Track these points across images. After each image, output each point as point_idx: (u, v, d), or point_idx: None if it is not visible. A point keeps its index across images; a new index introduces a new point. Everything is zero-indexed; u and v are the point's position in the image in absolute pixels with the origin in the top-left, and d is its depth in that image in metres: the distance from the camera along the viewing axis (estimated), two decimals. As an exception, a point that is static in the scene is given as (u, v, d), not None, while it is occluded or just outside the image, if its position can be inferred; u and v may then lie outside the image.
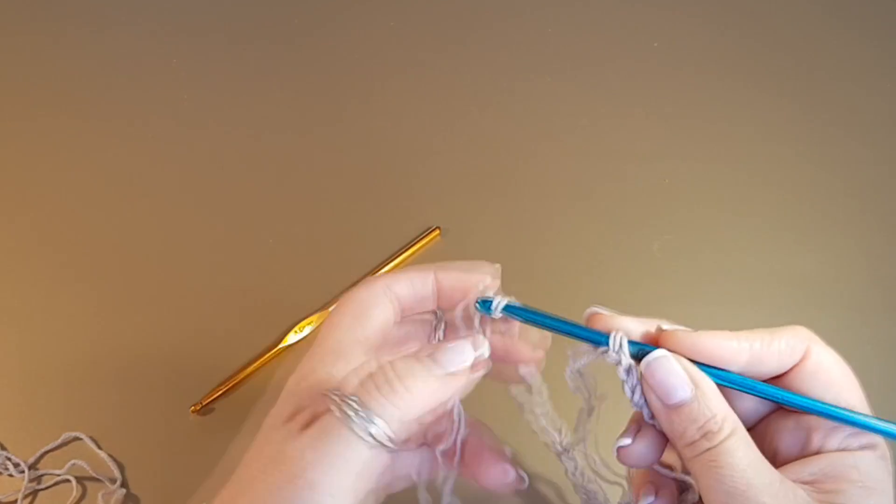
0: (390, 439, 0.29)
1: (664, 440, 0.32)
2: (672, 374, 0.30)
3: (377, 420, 0.29)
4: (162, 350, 0.55)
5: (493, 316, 0.33)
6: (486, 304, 0.33)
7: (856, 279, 0.59)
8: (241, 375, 0.54)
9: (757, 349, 0.31)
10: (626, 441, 0.32)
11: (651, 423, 0.31)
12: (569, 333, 0.33)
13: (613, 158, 0.64)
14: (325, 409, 0.30)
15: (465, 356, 0.32)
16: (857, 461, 0.30)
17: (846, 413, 0.30)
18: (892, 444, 0.31)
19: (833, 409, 0.30)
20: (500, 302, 0.33)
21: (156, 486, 0.51)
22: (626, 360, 0.31)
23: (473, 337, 0.33)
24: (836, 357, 0.31)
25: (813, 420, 0.31)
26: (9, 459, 0.51)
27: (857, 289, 0.58)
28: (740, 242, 0.60)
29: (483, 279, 0.35)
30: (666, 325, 0.32)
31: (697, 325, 0.56)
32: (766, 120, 0.66)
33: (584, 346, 0.32)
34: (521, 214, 0.61)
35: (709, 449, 0.29)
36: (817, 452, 0.30)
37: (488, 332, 0.34)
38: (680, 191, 0.62)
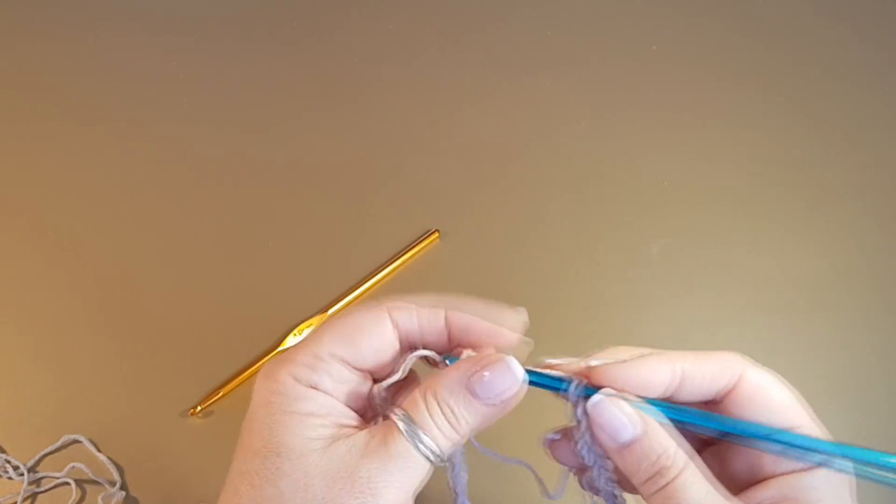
0: (441, 458, 0.30)
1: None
2: (616, 415, 0.30)
3: (437, 442, 0.30)
4: (161, 353, 0.55)
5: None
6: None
7: (856, 281, 0.59)
8: (241, 379, 0.54)
9: (688, 370, 0.30)
10: (556, 436, 0.33)
11: (604, 461, 0.31)
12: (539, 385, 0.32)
13: (612, 161, 0.64)
14: (384, 428, 0.30)
15: (511, 384, 0.31)
16: (813, 481, 0.29)
17: (789, 436, 0.30)
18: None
19: (775, 432, 0.30)
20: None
21: (155, 488, 0.51)
22: (578, 407, 0.31)
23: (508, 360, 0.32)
24: (774, 378, 0.31)
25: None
26: (8, 462, 0.51)
27: (857, 291, 0.58)
28: (740, 245, 0.60)
29: (509, 337, 0.33)
30: (594, 362, 0.32)
31: (698, 328, 0.57)
32: (765, 122, 0.66)
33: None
34: (520, 217, 0.61)
35: (664, 486, 0.29)
36: (770, 477, 0.30)
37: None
38: (679, 193, 0.62)
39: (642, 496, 0.30)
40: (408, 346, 0.33)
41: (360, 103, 0.67)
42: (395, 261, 0.58)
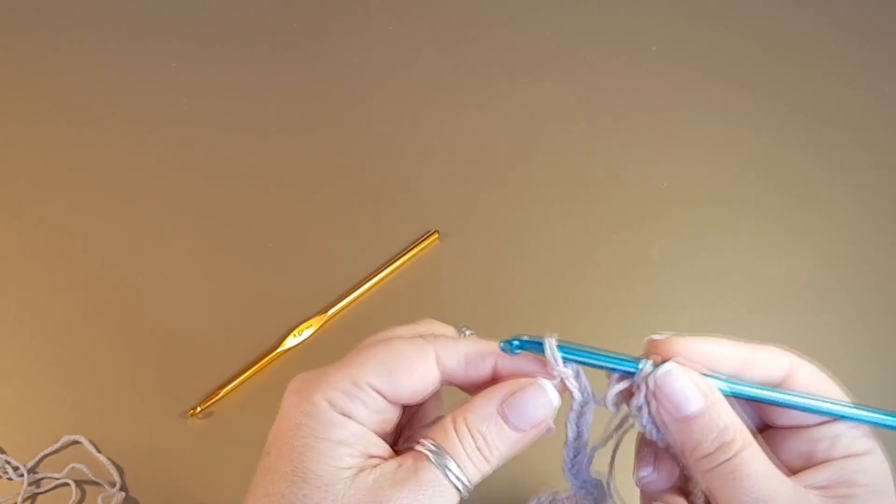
0: (469, 488, 0.30)
1: (678, 462, 0.32)
2: (683, 385, 0.29)
3: (467, 471, 0.30)
4: (161, 354, 0.55)
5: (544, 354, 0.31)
6: (515, 344, 0.31)
7: (855, 283, 0.59)
8: (240, 379, 0.54)
9: (746, 357, 0.31)
10: (648, 472, 0.32)
11: (659, 442, 0.31)
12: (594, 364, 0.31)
13: (612, 162, 0.64)
14: (414, 457, 0.30)
15: (544, 410, 0.31)
16: (863, 465, 0.30)
17: (855, 410, 0.31)
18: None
19: (839, 405, 0.31)
20: (550, 341, 0.31)
21: (155, 489, 0.51)
22: (640, 381, 0.30)
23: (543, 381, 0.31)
24: (823, 374, 0.32)
25: (815, 432, 0.31)
26: (8, 463, 0.51)
27: (857, 292, 0.58)
28: (739, 246, 0.60)
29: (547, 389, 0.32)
30: (657, 336, 0.31)
31: (697, 330, 0.57)
32: (764, 123, 0.66)
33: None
34: (520, 218, 0.61)
35: (727, 460, 0.29)
36: (823, 461, 0.31)
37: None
38: (679, 195, 0.62)
39: (698, 471, 0.30)
40: (448, 383, 0.33)
41: (360, 104, 0.67)
42: (394, 261, 0.58)
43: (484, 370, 0.32)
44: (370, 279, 0.57)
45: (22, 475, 0.50)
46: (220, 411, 0.53)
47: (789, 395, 0.31)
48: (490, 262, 0.60)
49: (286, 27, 0.72)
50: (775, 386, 0.31)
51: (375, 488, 0.29)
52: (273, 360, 0.55)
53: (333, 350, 0.58)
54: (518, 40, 0.71)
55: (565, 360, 0.31)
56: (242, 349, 0.55)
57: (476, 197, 0.62)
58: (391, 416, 0.31)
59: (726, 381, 0.31)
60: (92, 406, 0.54)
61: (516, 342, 0.31)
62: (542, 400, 0.30)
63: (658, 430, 0.31)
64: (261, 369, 0.54)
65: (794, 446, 0.32)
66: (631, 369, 0.30)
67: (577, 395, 0.31)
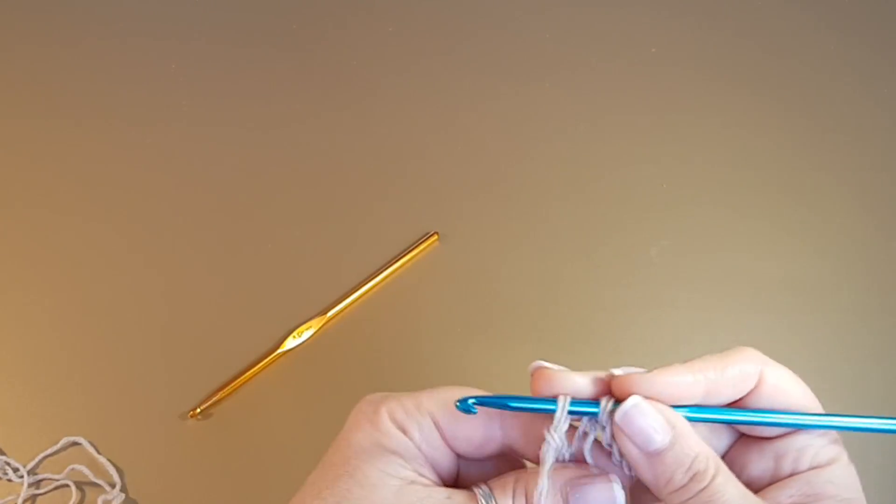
0: None
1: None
2: (648, 420, 0.29)
3: None
4: (161, 355, 0.55)
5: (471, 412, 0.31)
6: (465, 404, 0.31)
7: (855, 284, 0.59)
8: (240, 380, 0.54)
9: (712, 379, 0.30)
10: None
11: (630, 476, 0.30)
12: (514, 407, 0.30)
13: (611, 163, 0.64)
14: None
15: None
16: (830, 476, 0.30)
17: (820, 418, 0.30)
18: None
19: (803, 416, 0.30)
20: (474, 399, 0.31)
21: (155, 490, 0.51)
22: (605, 420, 0.30)
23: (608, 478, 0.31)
24: (791, 376, 0.31)
25: (779, 445, 0.31)
26: (8, 464, 0.51)
27: (857, 293, 0.59)
28: (738, 247, 0.60)
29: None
30: (618, 371, 0.31)
31: (696, 330, 0.57)
32: (764, 125, 0.67)
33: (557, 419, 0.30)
34: (519, 219, 0.61)
35: (701, 490, 0.28)
36: (790, 475, 0.30)
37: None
38: (678, 196, 0.62)
39: None
40: (507, 450, 0.32)
41: (360, 105, 0.68)
42: (394, 263, 0.58)
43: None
44: (370, 280, 0.57)
45: (22, 476, 0.50)
46: (219, 412, 0.53)
47: (752, 414, 0.30)
48: (490, 263, 0.60)
49: (286, 28, 0.72)
50: (746, 396, 0.31)
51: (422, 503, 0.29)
52: (273, 362, 0.55)
53: (333, 351, 0.58)
54: (517, 41, 0.71)
55: (506, 408, 0.30)
56: (242, 350, 0.55)
57: (475, 198, 0.62)
58: (443, 459, 0.32)
59: (691, 408, 0.30)
60: (92, 407, 0.54)
61: (471, 400, 0.30)
62: (607, 495, 0.30)
63: (628, 469, 0.30)
64: (260, 370, 0.54)
65: (760, 462, 0.31)
66: (592, 409, 0.30)
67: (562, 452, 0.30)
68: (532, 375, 0.31)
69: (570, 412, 0.30)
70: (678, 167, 0.64)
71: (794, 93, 0.68)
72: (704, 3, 0.73)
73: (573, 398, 0.30)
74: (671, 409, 0.29)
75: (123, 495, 0.50)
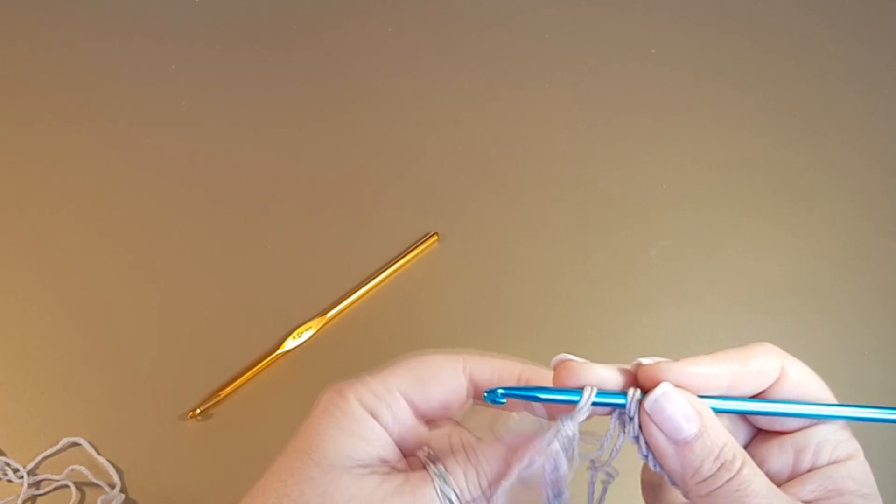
0: None
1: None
2: (679, 408, 0.29)
3: (456, 490, 0.30)
4: (161, 356, 0.55)
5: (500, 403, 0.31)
6: (493, 395, 0.31)
7: (855, 284, 0.59)
8: (240, 381, 0.54)
9: (736, 371, 0.30)
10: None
11: (657, 469, 0.30)
12: (544, 400, 0.31)
13: (611, 164, 0.64)
14: (416, 466, 0.31)
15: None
16: (850, 471, 0.30)
17: (841, 408, 0.31)
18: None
19: (826, 406, 0.31)
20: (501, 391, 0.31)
21: (154, 491, 0.51)
22: (633, 410, 0.30)
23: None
24: (810, 371, 0.31)
25: (798, 439, 0.31)
26: (8, 465, 0.51)
27: (856, 294, 0.59)
28: (738, 248, 0.60)
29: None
30: (645, 360, 0.31)
31: (696, 330, 0.57)
32: (763, 125, 0.67)
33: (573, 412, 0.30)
34: (519, 220, 0.61)
35: (729, 479, 0.28)
36: (809, 470, 0.31)
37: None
38: (677, 197, 0.62)
39: (698, 496, 0.29)
40: (478, 398, 0.33)
41: (360, 106, 0.68)
42: (394, 264, 0.58)
43: (511, 382, 0.33)
44: (369, 281, 0.57)
45: (22, 477, 0.50)
46: (219, 413, 0.53)
47: (774, 403, 0.31)
48: (489, 264, 0.60)
49: (286, 31, 0.72)
50: (767, 390, 0.31)
51: (375, 493, 0.29)
52: (272, 362, 0.55)
53: (333, 352, 0.58)
54: (517, 43, 0.71)
55: (535, 400, 0.30)
56: (242, 351, 0.55)
57: (475, 199, 0.62)
58: (414, 431, 0.32)
59: (716, 398, 0.30)
60: (92, 408, 0.54)
61: (500, 391, 0.31)
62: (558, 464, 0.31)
63: (655, 463, 0.30)
64: (260, 371, 0.54)
65: (780, 457, 0.31)
66: (619, 400, 0.30)
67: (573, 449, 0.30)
68: (556, 367, 0.31)
69: (597, 403, 0.29)
70: (678, 168, 0.64)
71: (793, 93, 0.68)
72: (704, 4, 0.74)
73: (599, 389, 0.30)
74: (699, 399, 0.29)
75: (123, 496, 0.50)
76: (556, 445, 0.30)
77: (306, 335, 0.55)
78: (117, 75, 0.69)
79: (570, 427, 0.30)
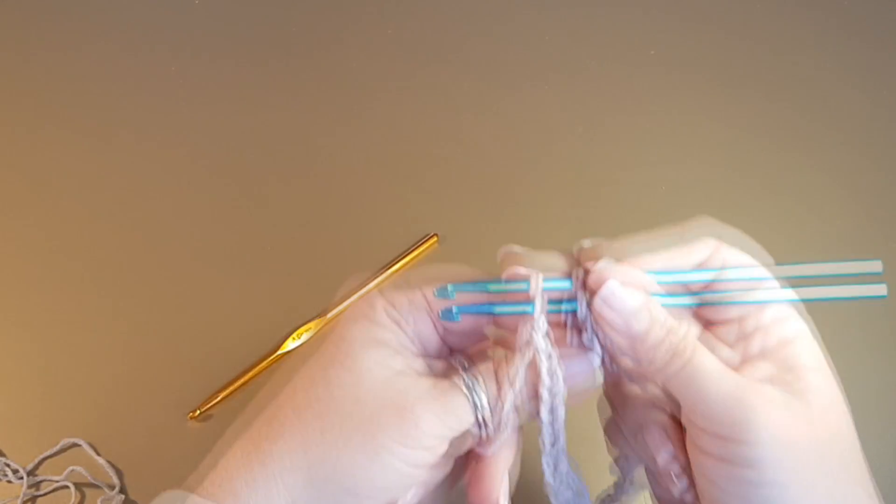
0: (486, 424, 0.31)
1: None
2: (627, 303, 0.30)
3: (485, 398, 0.31)
4: (161, 356, 0.55)
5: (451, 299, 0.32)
6: (444, 291, 0.32)
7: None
8: (240, 382, 0.54)
9: (675, 245, 0.32)
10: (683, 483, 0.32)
11: (609, 365, 0.31)
12: (497, 313, 0.31)
13: (610, 166, 0.64)
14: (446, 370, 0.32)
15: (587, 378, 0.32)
16: (799, 349, 0.31)
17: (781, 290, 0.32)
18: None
19: (766, 282, 0.32)
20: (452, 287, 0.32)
21: (154, 492, 0.51)
22: (583, 303, 0.30)
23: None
24: (747, 239, 0.33)
25: (746, 325, 0.32)
26: (7, 465, 0.51)
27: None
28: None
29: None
30: (587, 243, 0.32)
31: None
32: (763, 126, 0.67)
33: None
34: (519, 221, 0.61)
35: (682, 367, 0.29)
36: (759, 354, 0.31)
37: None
38: (677, 198, 0.62)
39: (657, 382, 0.30)
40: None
41: (360, 108, 0.68)
42: (393, 265, 0.58)
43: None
44: (369, 282, 0.57)
45: (21, 478, 0.50)
46: (219, 414, 0.53)
47: (721, 294, 0.31)
48: (489, 265, 0.59)
49: (285, 31, 0.72)
50: (706, 262, 0.32)
51: (405, 394, 0.30)
52: (273, 363, 0.55)
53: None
54: (517, 44, 0.72)
55: (486, 291, 0.31)
56: (242, 352, 0.55)
57: (475, 200, 0.62)
58: (435, 346, 0.33)
59: (662, 295, 0.31)
60: (91, 409, 0.54)
61: (450, 286, 0.31)
62: (585, 366, 0.31)
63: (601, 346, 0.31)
64: (260, 372, 0.54)
65: (728, 343, 0.32)
66: (564, 284, 0.31)
67: (544, 359, 0.30)
68: (501, 259, 0.32)
69: (546, 288, 0.30)
70: (678, 170, 0.64)
71: (793, 95, 0.68)
72: (703, 5, 0.74)
73: (545, 276, 0.30)
74: (646, 295, 0.30)
75: (123, 497, 0.50)
76: (535, 337, 0.30)
77: (306, 336, 0.55)
78: (117, 77, 0.69)
79: (536, 322, 0.30)
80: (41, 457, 0.51)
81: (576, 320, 0.31)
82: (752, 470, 0.28)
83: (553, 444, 0.32)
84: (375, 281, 0.57)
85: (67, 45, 0.71)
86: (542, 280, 0.30)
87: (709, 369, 0.29)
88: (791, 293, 0.32)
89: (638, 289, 0.31)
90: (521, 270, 0.31)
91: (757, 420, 0.28)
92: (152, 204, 0.62)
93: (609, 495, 0.37)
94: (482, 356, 0.32)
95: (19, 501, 0.49)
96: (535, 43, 0.72)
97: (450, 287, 0.31)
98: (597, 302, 0.30)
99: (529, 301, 0.30)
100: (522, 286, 0.30)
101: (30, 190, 0.63)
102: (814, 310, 0.33)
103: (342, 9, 0.74)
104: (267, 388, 0.32)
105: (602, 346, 0.31)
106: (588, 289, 0.31)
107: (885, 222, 0.62)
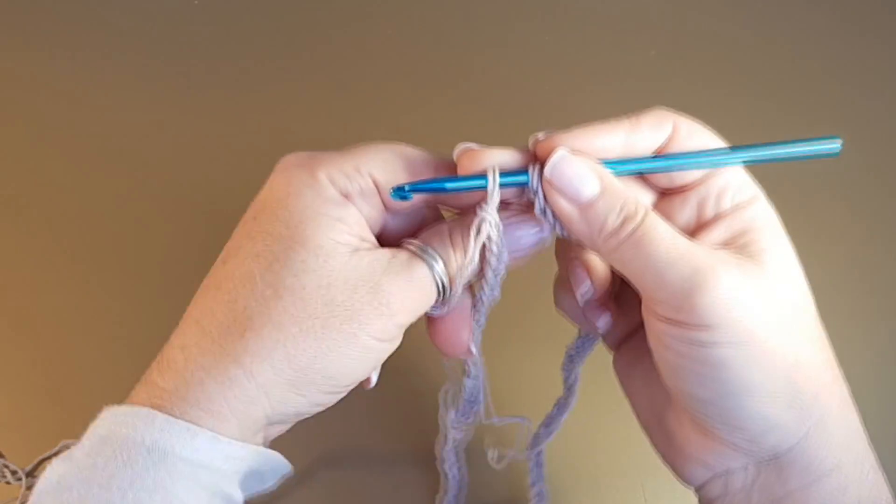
0: (445, 287, 0.31)
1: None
2: (577, 170, 0.30)
3: (449, 277, 0.31)
4: (160, 357, 0.55)
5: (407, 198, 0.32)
6: (401, 191, 0.31)
7: (852, 290, 0.59)
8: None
9: (628, 130, 0.31)
10: (586, 287, 0.34)
11: (564, 235, 0.32)
12: (451, 189, 0.31)
13: (610, 166, 0.64)
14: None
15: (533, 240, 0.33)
16: (754, 212, 0.31)
17: (732, 153, 0.31)
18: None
19: (717, 153, 0.31)
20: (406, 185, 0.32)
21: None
22: (535, 184, 0.31)
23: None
24: (701, 125, 0.33)
25: (700, 191, 0.32)
26: (6, 467, 0.51)
27: (853, 300, 0.59)
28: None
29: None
30: (541, 135, 0.32)
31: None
32: (762, 127, 0.67)
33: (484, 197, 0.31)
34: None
35: (634, 229, 0.29)
36: (714, 218, 0.32)
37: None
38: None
39: (609, 252, 0.30)
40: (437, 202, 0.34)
41: (360, 108, 0.68)
42: (393, 266, 0.58)
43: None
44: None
45: (20, 479, 0.50)
46: (218, 415, 0.53)
47: (669, 159, 0.32)
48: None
49: (285, 32, 0.72)
50: (661, 150, 0.32)
51: (371, 270, 0.30)
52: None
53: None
54: (517, 45, 0.72)
55: (443, 190, 0.31)
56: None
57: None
58: (379, 218, 0.32)
59: (612, 163, 0.31)
60: (90, 410, 0.53)
61: (407, 186, 0.31)
62: (534, 230, 0.32)
63: (563, 232, 0.31)
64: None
65: (684, 211, 0.32)
66: (522, 179, 0.31)
67: (494, 246, 0.31)
68: (457, 156, 0.32)
69: (502, 185, 0.30)
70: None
71: (793, 96, 0.69)
72: (703, 6, 0.74)
73: (502, 171, 0.31)
74: (596, 162, 0.30)
75: (122, 498, 0.50)
76: (484, 233, 0.31)
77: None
78: (116, 77, 0.69)
79: (490, 212, 0.31)
80: (40, 458, 0.51)
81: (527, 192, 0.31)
82: (708, 331, 0.28)
83: (489, 302, 0.34)
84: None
85: (67, 45, 0.71)
86: (499, 175, 0.31)
87: (661, 232, 0.29)
88: (745, 154, 0.32)
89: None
90: (477, 164, 0.31)
91: (710, 281, 0.28)
92: (151, 203, 0.62)
93: (570, 355, 0.39)
94: (425, 236, 0.32)
95: (18, 503, 0.49)
96: (536, 44, 0.72)
97: (406, 187, 0.31)
98: (547, 168, 0.30)
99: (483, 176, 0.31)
100: (480, 182, 0.31)
101: (28, 191, 0.63)
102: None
103: (342, 9, 0.74)
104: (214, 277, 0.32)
105: (553, 216, 0.31)
106: (538, 159, 0.31)
107: (885, 226, 0.62)
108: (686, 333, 0.29)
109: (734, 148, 0.32)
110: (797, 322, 0.31)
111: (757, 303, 0.29)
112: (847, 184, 0.64)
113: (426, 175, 0.32)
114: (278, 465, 0.32)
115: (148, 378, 0.30)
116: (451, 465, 0.45)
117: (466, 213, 0.33)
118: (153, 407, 0.30)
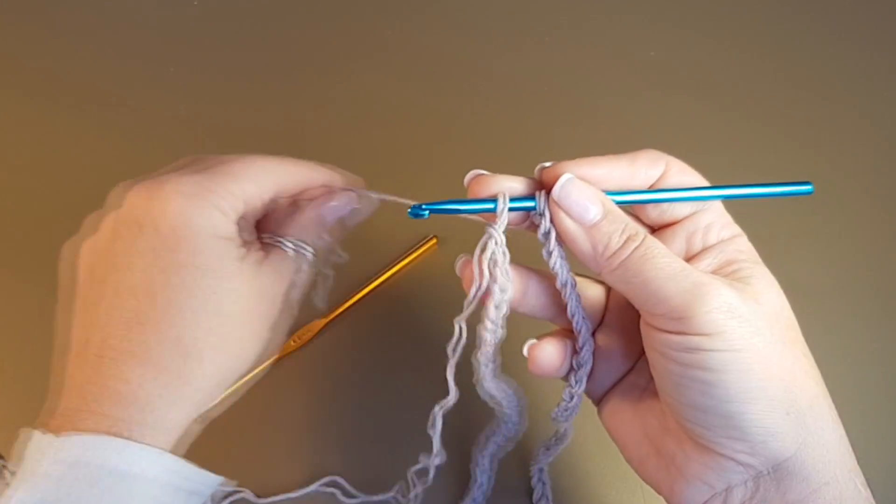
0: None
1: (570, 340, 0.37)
2: (583, 193, 0.33)
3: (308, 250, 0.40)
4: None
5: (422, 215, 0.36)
6: (418, 210, 0.36)
7: (855, 289, 0.59)
8: (240, 383, 0.54)
9: (626, 167, 0.34)
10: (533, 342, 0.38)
11: (560, 260, 0.34)
12: (464, 211, 0.35)
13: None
14: None
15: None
16: (737, 246, 0.35)
17: (719, 190, 0.35)
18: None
19: (705, 189, 0.35)
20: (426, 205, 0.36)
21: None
22: (542, 207, 0.33)
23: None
24: (689, 167, 0.36)
25: (689, 225, 0.35)
26: (5, 468, 0.50)
27: (857, 299, 0.59)
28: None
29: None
30: (547, 164, 0.35)
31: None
32: (762, 128, 0.67)
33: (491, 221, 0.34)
34: (519, 223, 0.61)
35: (637, 247, 0.32)
36: (701, 251, 0.35)
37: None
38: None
39: (610, 271, 0.33)
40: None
41: (359, 109, 0.68)
42: (392, 267, 0.58)
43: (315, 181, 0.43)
44: (369, 284, 0.57)
45: (20, 479, 0.50)
46: (219, 416, 0.53)
47: (664, 192, 0.34)
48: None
49: (284, 32, 0.72)
50: (654, 186, 0.35)
51: (256, 270, 0.36)
52: (273, 364, 0.55)
53: (333, 354, 0.58)
54: (517, 45, 0.72)
55: (457, 212, 0.35)
56: (241, 353, 0.55)
57: (474, 202, 0.62)
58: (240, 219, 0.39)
59: (612, 193, 0.34)
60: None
61: (424, 206, 0.35)
62: (347, 199, 0.43)
63: (562, 256, 0.34)
64: (260, 373, 0.54)
65: (675, 244, 0.35)
66: (529, 203, 0.34)
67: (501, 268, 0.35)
68: (469, 183, 0.36)
69: (512, 208, 0.34)
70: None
71: (793, 96, 0.69)
72: (703, 6, 0.74)
73: (511, 196, 0.34)
74: (599, 190, 0.33)
75: (122, 498, 0.50)
76: (491, 248, 0.34)
77: (306, 337, 0.55)
78: (115, 77, 0.69)
79: (498, 232, 0.34)
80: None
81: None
82: (709, 339, 0.30)
83: (494, 342, 0.36)
84: (375, 283, 0.58)
85: (66, 45, 0.71)
86: (508, 199, 0.34)
87: (661, 251, 0.32)
88: (728, 191, 0.35)
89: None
90: (487, 189, 0.34)
91: (710, 293, 0.30)
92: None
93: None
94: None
95: (18, 503, 0.49)
96: (536, 45, 0.72)
97: (423, 206, 0.35)
98: (555, 190, 0.33)
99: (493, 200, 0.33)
100: (489, 206, 0.34)
101: (27, 192, 0.63)
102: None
103: (341, 10, 0.74)
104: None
105: (556, 239, 0.34)
106: (544, 185, 0.34)
107: (885, 226, 0.62)
108: (687, 340, 0.30)
109: (720, 186, 0.35)
110: (789, 337, 0.33)
111: (752, 316, 0.31)
112: (851, 181, 0.64)
113: (292, 186, 0.41)
114: (209, 479, 0.39)
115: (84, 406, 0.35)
116: (483, 471, 0.47)
117: (299, 201, 0.41)
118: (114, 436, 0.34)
